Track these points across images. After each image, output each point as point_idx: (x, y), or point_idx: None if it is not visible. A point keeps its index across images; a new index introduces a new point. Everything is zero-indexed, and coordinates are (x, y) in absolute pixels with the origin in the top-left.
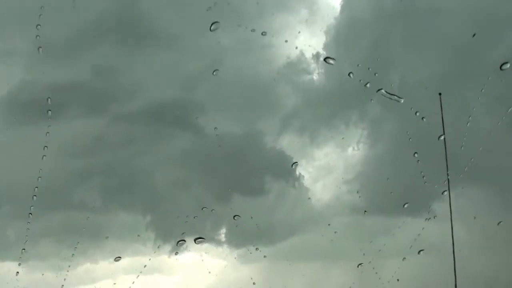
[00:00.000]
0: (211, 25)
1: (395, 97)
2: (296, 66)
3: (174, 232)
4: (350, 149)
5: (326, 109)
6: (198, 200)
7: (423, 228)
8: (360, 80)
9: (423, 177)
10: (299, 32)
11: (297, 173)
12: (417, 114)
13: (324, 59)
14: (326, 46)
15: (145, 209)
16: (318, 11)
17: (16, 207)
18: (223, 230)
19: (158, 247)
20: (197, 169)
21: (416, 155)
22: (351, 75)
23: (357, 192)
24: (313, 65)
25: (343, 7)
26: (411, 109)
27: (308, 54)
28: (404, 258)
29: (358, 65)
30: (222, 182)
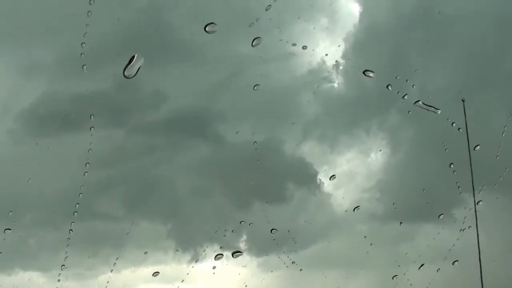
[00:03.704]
0: (253, 40)
1: (432, 108)
2: (317, 74)
3: (196, 241)
4: (370, 157)
5: (347, 117)
6: (219, 208)
7: (458, 239)
8: (398, 92)
9: (458, 187)
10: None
11: (318, 180)
12: (454, 125)
13: (363, 72)
14: (344, 54)
15: (166, 218)
16: (338, 20)
17: (37, 217)
18: (244, 238)
19: (176, 254)
20: (218, 177)
21: (452, 165)
22: (389, 87)
23: (377, 199)
24: (333, 74)
25: (362, 15)
26: (448, 119)
27: (329, 63)
28: (423, 264)
29: (396, 76)
30: (243, 190)
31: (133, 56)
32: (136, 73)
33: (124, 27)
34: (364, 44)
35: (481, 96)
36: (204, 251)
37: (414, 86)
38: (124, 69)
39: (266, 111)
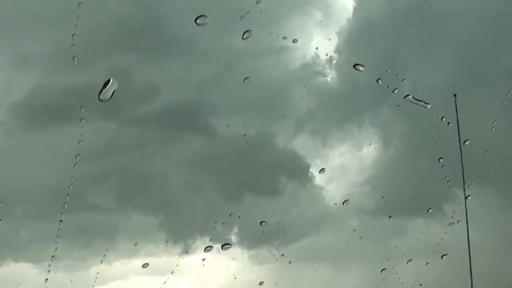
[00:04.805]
0: (244, 33)
1: (422, 103)
2: (310, 68)
3: (187, 233)
4: (363, 152)
5: (339, 111)
6: (211, 201)
7: (446, 233)
8: (388, 86)
9: (447, 181)
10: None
11: (310, 173)
12: (443, 119)
13: (354, 66)
14: (337, 48)
15: (158, 210)
16: (333, 14)
17: (28, 208)
18: (235, 231)
19: (167, 246)
20: (210, 170)
21: (441, 160)
22: (379, 81)
23: (367, 193)
24: (327, 68)
25: (356, 9)
26: (437, 114)
27: (322, 57)
28: (411, 259)
29: (386, 71)
30: (235, 183)
31: (108, 80)
32: (111, 97)
33: (117, 20)
34: (358, 39)
35: (473, 92)
36: (193, 243)
37: (404, 81)
38: (99, 93)
39: (259, 105)
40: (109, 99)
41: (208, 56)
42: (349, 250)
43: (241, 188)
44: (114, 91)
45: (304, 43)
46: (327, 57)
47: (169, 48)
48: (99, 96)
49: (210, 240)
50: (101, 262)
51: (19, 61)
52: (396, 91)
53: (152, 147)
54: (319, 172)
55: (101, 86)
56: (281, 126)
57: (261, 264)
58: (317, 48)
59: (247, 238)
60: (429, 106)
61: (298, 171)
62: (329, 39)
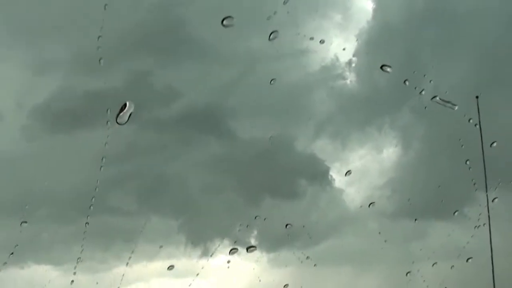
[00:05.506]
0: (270, 34)
1: (449, 104)
2: (330, 71)
3: (206, 236)
4: (382, 155)
5: (359, 114)
6: (230, 204)
7: (472, 236)
8: (415, 88)
9: (474, 183)
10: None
11: (330, 176)
12: (471, 121)
13: (381, 67)
14: (357, 51)
15: (178, 213)
16: (352, 16)
17: (50, 211)
18: (254, 233)
19: (187, 249)
20: (229, 173)
21: (468, 162)
22: (406, 82)
23: (388, 197)
24: (346, 71)
25: (375, 11)
26: (464, 115)
27: (342, 60)
28: (436, 263)
29: (414, 71)
30: (254, 186)
31: (125, 104)
32: (127, 120)
33: (137, 24)
34: (377, 41)
35: (494, 93)
36: (215, 247)
37: (431, 82)
38: (117, 117)
39: (278, 108)
40: (125, 123)
41: (227, 59)
42: (370, 253)
43: (260, 190)
44: (131, 114)
45: (322, 44)
46: (347, 60)
47: (189, 51)
48: (116, 120)
49: (235, 242)
50: (127, 264)
51: (40, 65)
52: (423, 92)
53: (172, 150)
54: (345, 174)
55: (118, 110)
56: (301, 129)
57: (280, 267)
58: (343, 56)
59: (266, 241)
60: (456, 107)
61: (318, 174)
62: (344, 49)
